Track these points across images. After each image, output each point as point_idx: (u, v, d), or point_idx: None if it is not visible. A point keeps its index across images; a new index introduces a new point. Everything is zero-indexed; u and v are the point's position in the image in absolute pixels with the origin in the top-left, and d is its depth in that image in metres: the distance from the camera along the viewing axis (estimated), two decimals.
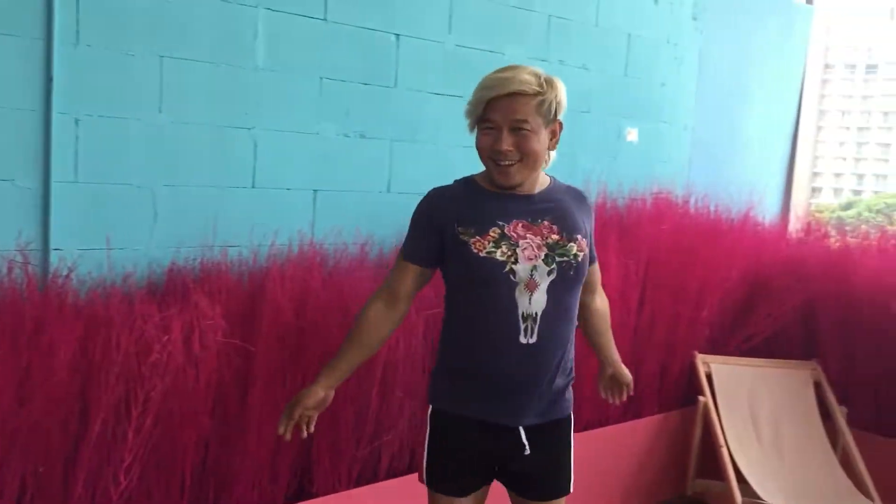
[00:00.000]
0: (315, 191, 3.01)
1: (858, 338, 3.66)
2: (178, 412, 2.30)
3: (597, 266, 2.11)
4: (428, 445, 1.93)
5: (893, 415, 3.54)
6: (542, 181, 1.93)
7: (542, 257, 1.83)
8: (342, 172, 3.08)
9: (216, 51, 2.70)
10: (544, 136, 1.83)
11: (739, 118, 4.69)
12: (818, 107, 5.14)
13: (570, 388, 1.99)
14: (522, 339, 1.83)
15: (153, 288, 2.59)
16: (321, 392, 1.90)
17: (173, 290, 2.55)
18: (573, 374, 1.99)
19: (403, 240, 1.94)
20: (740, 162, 4.73)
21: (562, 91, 1.84)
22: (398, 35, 3.14)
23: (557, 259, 1.84)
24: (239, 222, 2.80)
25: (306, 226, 2.97)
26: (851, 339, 3.68)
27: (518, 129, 1.79)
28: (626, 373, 2.18)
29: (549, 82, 1.81)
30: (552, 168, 1.97)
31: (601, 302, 2.15)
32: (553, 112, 1.82)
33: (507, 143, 1.79)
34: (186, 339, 2.29)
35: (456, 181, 1.96)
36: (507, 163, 1.81)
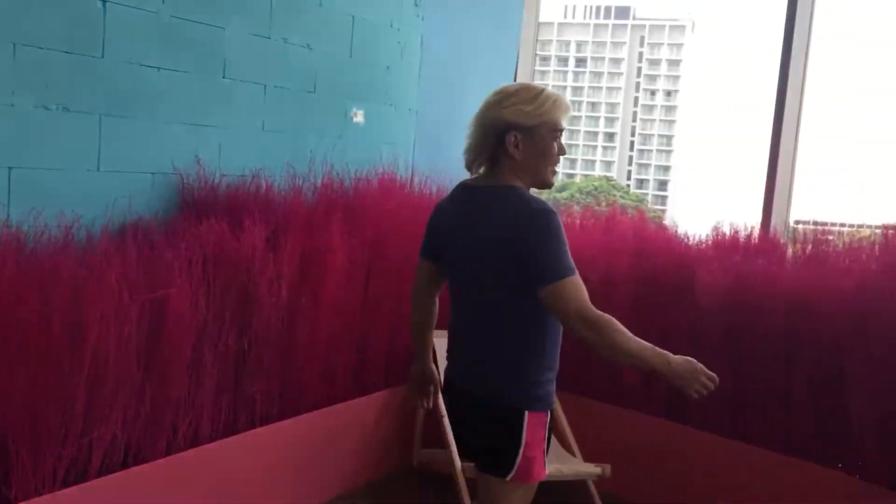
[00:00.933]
0: (10, 168, 2.73)
1: None
2: None
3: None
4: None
5: (592, 377, 3.92)
6: None
7: None
8: (43, 149, 2.82)
9: None
10: None
11: (460, 103, 4.88)
12: None
13: None
14: None
15: None
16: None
17: None
18: None
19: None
20: (462, 145, 4.95)
21: None
22: (105, 1, 2.92)
23: None
24: None
25: None
26: None
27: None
28: None
29: None
30: None
31: None
32: None
33: None
34: None
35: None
36: None
